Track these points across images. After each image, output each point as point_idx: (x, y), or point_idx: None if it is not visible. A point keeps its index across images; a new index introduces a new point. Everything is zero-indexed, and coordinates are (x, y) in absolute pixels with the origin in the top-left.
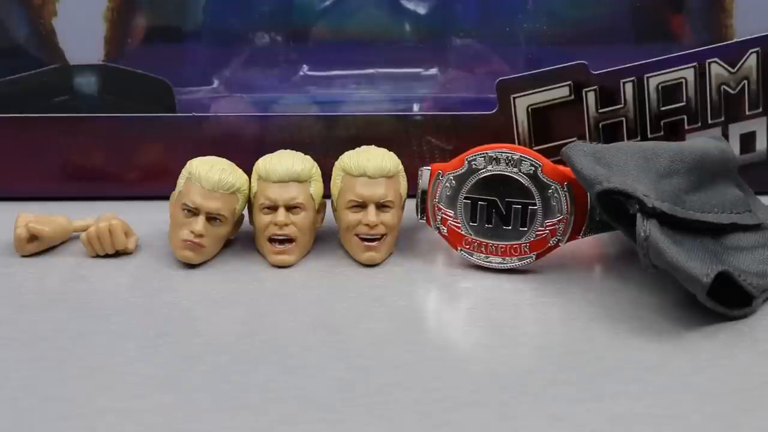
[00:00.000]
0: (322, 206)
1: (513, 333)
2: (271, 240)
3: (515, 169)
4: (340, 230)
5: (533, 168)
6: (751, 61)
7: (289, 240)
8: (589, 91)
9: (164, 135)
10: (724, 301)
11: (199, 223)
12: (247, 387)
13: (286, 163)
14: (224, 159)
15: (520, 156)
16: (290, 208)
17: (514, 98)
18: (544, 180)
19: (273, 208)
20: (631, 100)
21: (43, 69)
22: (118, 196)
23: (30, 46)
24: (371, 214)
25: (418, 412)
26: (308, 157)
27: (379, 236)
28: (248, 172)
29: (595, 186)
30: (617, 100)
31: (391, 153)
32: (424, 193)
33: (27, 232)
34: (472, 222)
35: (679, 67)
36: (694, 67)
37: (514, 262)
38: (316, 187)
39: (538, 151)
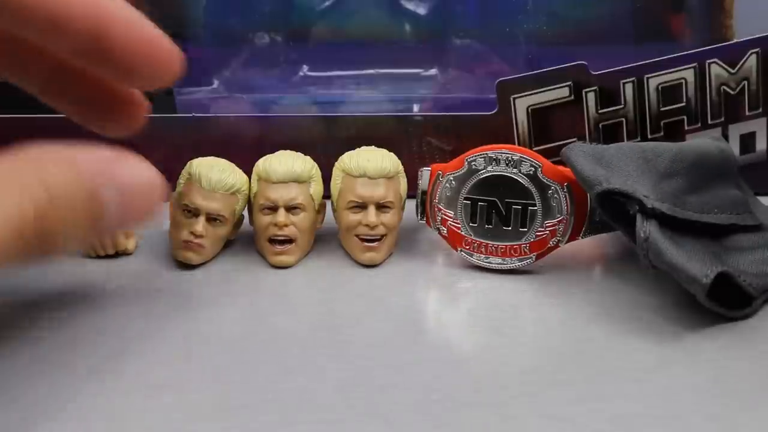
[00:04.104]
0: (322, 207)
1: (513, 333)
2: (271, 240)
3: (515, 170)
4: (340, 231)
5: (533, 168)
6: (751, 61)
7: (289, 240)
8: (589, 91)
9: (164, 135)
10: (723, 301)
11: (199, 224)
12: (247, 387)
13: (286, 163)
14: (224, 159)
15: (520, 156)
16: (290, 208)
17: (514, 99)
18: (544, 181)
19: (273, 209)
20: (631, 100)
21: None
22: None
23: None
24: (371, 215)
25: (418, 412)
26: (308, 157)
27: (379, 237)
28: (248, 172)
29: (595, 187)
30: (617, 100)
31: (391, 154)
32: (424, 193)
33: None
34: (472, 222)
35: (679, 68)
36: (694, 67)
37: (514, 263)
38: (316, 188)
39: (538, 151)
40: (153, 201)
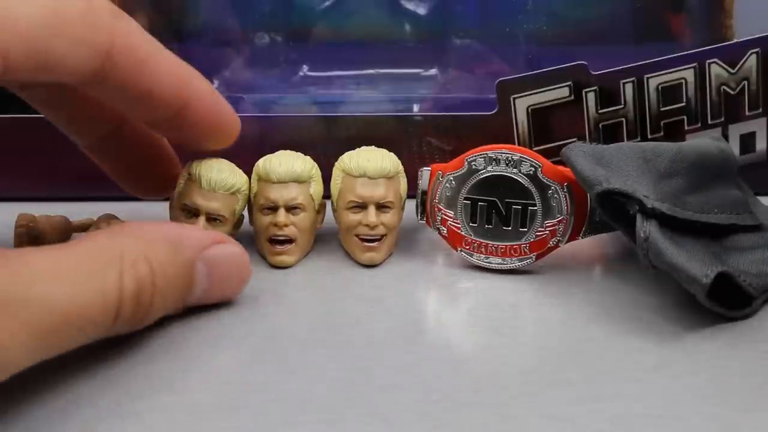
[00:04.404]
0: (322, 207)
1: (513, 333)
2: (271, 240)
3: (515, 170)
4: (340, 230)
5: (533, 168)
6: (751, 61)
7: (289, 240)
8: (589, 91)
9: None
10: (723, 301)
11: (199, 224)
12: (247, 387)
13: (286, 163)
14: (224, 159)
15: (520, 156)
16: (290, 208)
17: (514, 99)
18: (544, 181)
19: (273, 209)
20: (631, 100)
21: None
22: (118, 197)
23: None
24: (371, 215)
25: (418, 412)
26: (308, 157)
27: (379, 237)
28: (248, 172)
29: (595, 187)
30: (617, 100)
31: (392, 154)
32: (424, 193)
33: (27, 232)
34: (472, 222)
35: (679, 68)
36: (694, 67)
37: (514, 263)
38: (316, 188)
39: (538, 151)
40: (240, 279)
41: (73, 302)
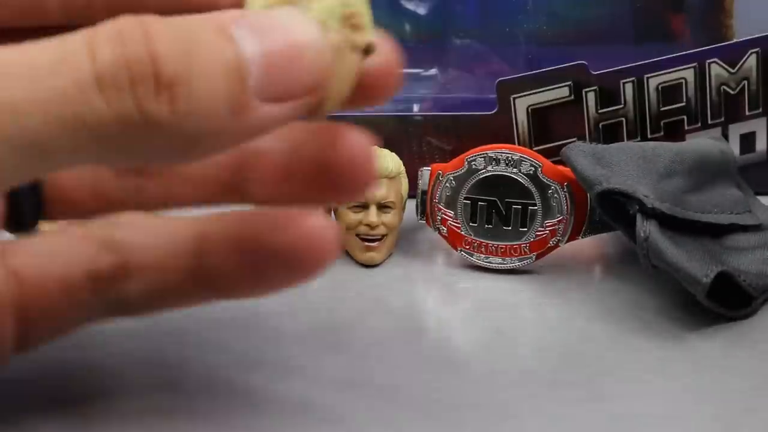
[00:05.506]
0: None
1: (513, 333)
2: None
3: (515, 170)
4: (340, 230)
5: (533, 168)
6: (751, 61)
7: (380, 237)
8: (589, 91)
9: None
10: (723, 301)
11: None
12: (248, 387)
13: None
14: None
15: (520, 156)
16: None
17: (514, 98)
18: (544, 180)
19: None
20: (631, 100)
21: None
22: None
23: None
24: (372, 215)
25: (418, 412)
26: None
27: (379, 237)
28: None
29: (595, 186)
30: (617, 100)
31: (393, 154)
32: (424, 193)
33: None
34: (472, 222)
35: (679, 68)
36: (694, 67)
37: (514, 263)
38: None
39: (538, 151)
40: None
41: (35, 97)
